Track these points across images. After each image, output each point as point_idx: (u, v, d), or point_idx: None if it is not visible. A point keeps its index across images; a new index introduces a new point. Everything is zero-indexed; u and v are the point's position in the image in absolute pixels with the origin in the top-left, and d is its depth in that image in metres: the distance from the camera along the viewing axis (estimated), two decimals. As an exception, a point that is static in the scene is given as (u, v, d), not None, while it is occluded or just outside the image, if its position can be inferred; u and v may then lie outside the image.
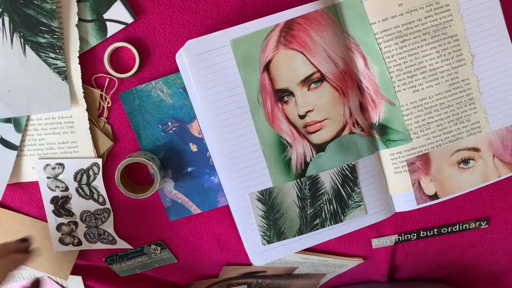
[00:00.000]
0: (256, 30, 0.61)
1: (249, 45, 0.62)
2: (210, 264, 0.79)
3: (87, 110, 0.65)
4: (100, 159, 0.66)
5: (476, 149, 0.68)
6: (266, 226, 0.66)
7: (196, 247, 0.75)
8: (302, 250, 0.75)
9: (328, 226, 0.67)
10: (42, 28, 0.61)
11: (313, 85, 0.63)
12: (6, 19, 0.60)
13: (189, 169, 0.69)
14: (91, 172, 0.67)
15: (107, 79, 0.65)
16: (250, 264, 0.78)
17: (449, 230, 0.76)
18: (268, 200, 0.66)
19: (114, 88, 0.65)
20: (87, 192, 0.69)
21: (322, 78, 0.63)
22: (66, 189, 0.68)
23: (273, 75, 0.63)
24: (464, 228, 0.76)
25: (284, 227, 0.67)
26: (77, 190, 0.68)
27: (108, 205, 0.70)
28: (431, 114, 0.66)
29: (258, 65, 0.62)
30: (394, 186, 0.69)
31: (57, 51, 0.62)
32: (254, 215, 0.66)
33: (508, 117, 0.67)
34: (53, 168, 0.67)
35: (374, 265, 0.82)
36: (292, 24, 0.62)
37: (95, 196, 0.69)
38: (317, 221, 0.67)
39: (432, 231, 0.76)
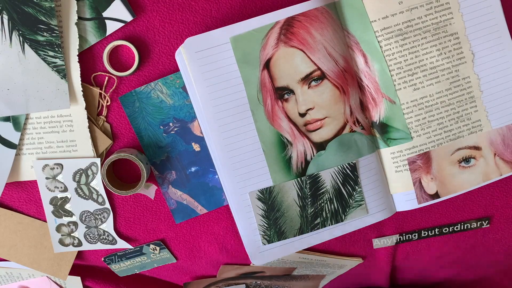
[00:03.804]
0: (256, 27, 0.58)
1: (249, 42, 0.58)
2: (209, 265, 0.75)
3: (86, 108, 0.61)
4: (99, 159, 0.62)
5: (477, 148, 0.64)
6: (267, 225, 0.63)
7: (196, 247, 0.71)
8: (301, 251, 0.71)
9: (329, 225, 0.63)
10: (41, 26, 0.57)
11: (313, 83, 0.60)
12: (5, 17, 0.57)
13: (193, 169, 0.65)
14: (89, 172, 0.63)
15: (106, 78, 0.61)
16: (248, 264, 0.74)
17: (450, 230, 0.72)
18: (268, 199, 0.62)
19: (114, 87, 0.62)
20: (86, 192, 0.64)
21: (322, 76, 0.59)
22: (65, 189, 0.64)
23: (273, 73, 0.59)
24: (465, 227, 0.72)
25: (285, 227, 0.63)
26: (76, 190, 0.64)
27: (107, 205, 0.65)
28: (432, 112, 0.62)
29: (258, 63, 0.59)
30: (395, 185, 0.65)
31: (56, 49, 0.58)
32: (254, 214, 0.62)
33: (509, 115, 0.63)
34: (52, 169, 0.63)
35: (375, 266, 0.78)
36: (292, 22, 0.58)
37: (94, 196, 0.65)
38: (318, 220, 0.63)
39: (433, 230, 0.72)
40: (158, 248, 0.70)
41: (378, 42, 0.60)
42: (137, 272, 0.74)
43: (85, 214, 0.66)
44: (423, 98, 0.61)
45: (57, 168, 0.63)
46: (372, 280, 0.83)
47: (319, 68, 0.59)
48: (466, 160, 0.64)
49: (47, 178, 0.63)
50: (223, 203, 0.66)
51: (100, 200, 0.65)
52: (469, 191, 0.67)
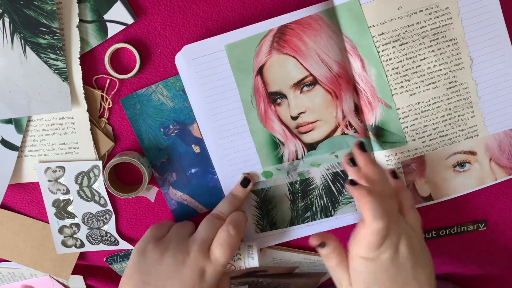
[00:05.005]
0: (250, 35, 0.58)
1: (243, 50, 0.59)
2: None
3: (88, 111, 0.60)
4: (101, 161, 0.62)
5: (472, 153, 0.63)
6: (260, 216, 0.65)
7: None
8: (303, 250, 0.71)
9: (319, 219, 0.65)
10: (42, 29, 0.56)
11: (305, 88, 0.60)
12: (7, 20, 0.56)
13: (193, 170, 0.65)
14: (91, 175, 0.62)
15: (108, 80, 0.60)
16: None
17: (447, 232, 0.72)
18: (261, 192, 0.64)
19: (115, 89, 0.61)
20: (88, 194, 0.64)
21: (314, 82, 0.60)
22: (67, 191, 0.64)
23: (266, 79, 0.60)
24: (462, 230, 0.72)
25: (277, 218, 0.65)
26: (78, 192, 0.64)
27: (109, 206, 0.65)
28: (428, 117, 0.62)
29: (251, 69, 0.59)
30: (389, 187, 0.64)
31: (58, 52, 0.57)
32: (249, 205, 0.64)
33: (506, 121, 0.63)
34: (54, 171, 0.62)
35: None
36: (285, 30, 0.58)
37: (96, 198, 0.64)
38: (308, 214, 0.65)
39: (430, 233, 0.72)
40: (159, 248, 0.70)
41: (376, 47, 0.59)
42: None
43: (88, 216, 0.65)
44: (419, 103, 0.61)
45: (59, 170, 0.62)
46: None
47: (311, 74, 0.59)
48: (461, 164, 0.64)
49: (49, 181, 0.63)
50: (223, 202, 0.66)
51: (102, 202, 0.65)
52: (466, 194, 0.67)
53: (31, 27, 0.56)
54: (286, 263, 0.74)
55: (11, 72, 0.57)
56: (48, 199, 0.64)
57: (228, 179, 0.63)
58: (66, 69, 0.58)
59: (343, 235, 0.71)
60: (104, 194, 0.64)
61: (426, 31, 0.59)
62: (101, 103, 0.61)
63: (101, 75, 0.60)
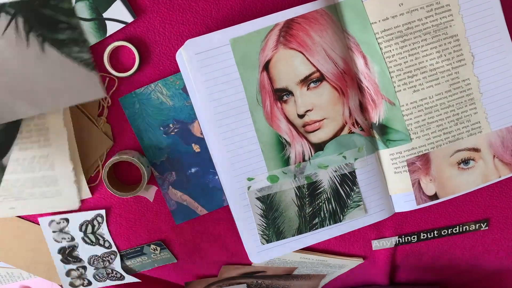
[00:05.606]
0: (255, 29, 0.57)
1: (248, 44, 0.57)
2: (210, 265, 0.74)
3: (86, 109, 0.60)
4: (104, 210, 0.63)
5: (476, 150, 0.63)
6: (265, 225, 0.62)
7: (196, 248, 0.70)
8: (302, 250, 0.70)
9: (327, 225, 0.63)
10: (61, 26, 0.53)
11: (312, 85, 0.59)
12: (20, 20, 0.53)
13: (193, 170, 0.64)
14: (95, 222, 0.64)
15: (107, 79, 0.60)
16: (250, 264, 0.73)
17: (449, 232, 0.71)
18: (267, 199, 0.61)
19: (114, 88, 0.61)
20: (93, 239, 0.65)
21: (321, 78, 0.59)
22: (72, 239, 0.65)
23: (273, 75, 0.59)
24: (464, 230, 0.71)
25: (283, 226, 0.62)
26: (83, 239, 0.65)
27: (114, 248, 0.66)
28: (431, 114, 0.61)
29: (257, 65, 0.58)
30: (394, 186, 0.64)
31: (81, 45, 0.54)
32: (253, 213, 0.61)
33: (508, 117, 0.62)
34: (58, 223, 0.63)
35: (375, 265, 0.77)
36: (292, 24, 0.57)
37: (101, 242, 0.65)
38: (316, 220, 0.63)
39: (432, 233, 0.71)
40: (158, 248, 0.69)
41: (378, 44, 0.59)
42: (138, 272, 0.73)
43: (93, 258, 0.66)
44: (422, 100, 0.61)
45: (63, 222, 0.63)
46: (371, 279, 0.82)
47: (318, 70, 0.59)
48: (465, 161, 0.63)
49: (54, 232, 0.64)
50: (223, 204, 0.66)
51: (107, 245, 0.66)
52: (468, 193, 0.66)
53: (50, 25, 0.53)
54: (285, 263, 0.73)
55: (29, 70, 0.54)
56: (53, 248, 0.65)
57: (231, 182, 0.61)
58: (91, 60, 0.53)
59: (351, 239, 0.71)
60: (109, 237, 0.65)
61: (427, 27, 0.59)
62: (100, 102, 0.61)
63: (100, 74, 0.60)
